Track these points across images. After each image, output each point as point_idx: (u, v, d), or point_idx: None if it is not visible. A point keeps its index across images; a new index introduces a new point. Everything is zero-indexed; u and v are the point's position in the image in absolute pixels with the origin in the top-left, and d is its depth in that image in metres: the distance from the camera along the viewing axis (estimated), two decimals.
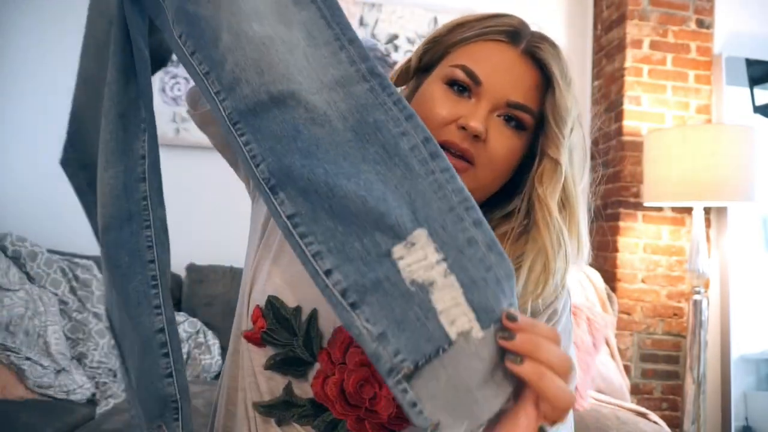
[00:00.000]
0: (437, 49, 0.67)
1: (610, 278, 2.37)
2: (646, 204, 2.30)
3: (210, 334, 2.12)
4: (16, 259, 1.97)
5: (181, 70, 2.40)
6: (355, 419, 0.61)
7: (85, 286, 2.04)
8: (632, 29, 2.43)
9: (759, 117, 2.53)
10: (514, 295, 0.43)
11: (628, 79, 2.42)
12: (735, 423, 2.34)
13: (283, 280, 0.63)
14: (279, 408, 0.62)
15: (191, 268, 2.27)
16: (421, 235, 0.42)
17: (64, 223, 2.27)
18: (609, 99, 2.55)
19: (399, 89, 0.73)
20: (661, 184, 2.14)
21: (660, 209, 2.39)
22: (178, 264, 2.26)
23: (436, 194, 0.44)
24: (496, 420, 0.42)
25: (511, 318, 0.41)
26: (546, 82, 0.63)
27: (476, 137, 0.60)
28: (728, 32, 2.53)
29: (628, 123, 2.41)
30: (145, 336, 0.57)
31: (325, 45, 0.48)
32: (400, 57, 2.54)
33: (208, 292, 2.22)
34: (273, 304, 0.62)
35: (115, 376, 1.94)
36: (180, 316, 2.10)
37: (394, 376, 0.40)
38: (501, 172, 0.63)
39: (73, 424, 1.65)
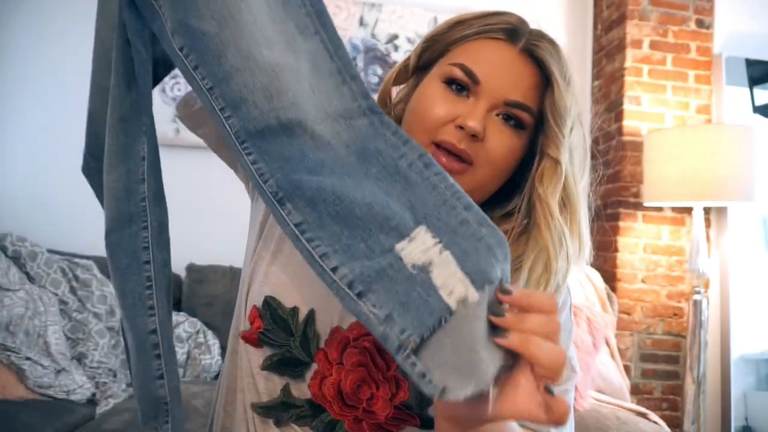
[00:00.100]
0: (436, 47, 0.67)
1: (610, 278, 2.37)
2: (646, 204, 2.30)
3: (210, 334, 2.12)
4: (16, 259, 1.97)
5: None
6: (352, 420, 0.60)
7: (85, 286, 2.04)
8: (632, 29, 2.43)
9: (759, 117, 2.53)
10: (507, 261, 0.45)
11: (628, 79, 2.42)
12: (735, 423, 2.34)
13: (280, 280, 0.63)
14: (277, 409, 0.62)
15: (191, 268, 2.27)
16: (420, 230, 0.46)
17: (64, 223, 2.28)
18: (609, 99, 2.55)
19: (398, 87, 0.73)
20: (661, 184, 2.14)
21: (660, 209, 2.39)
22: (178, 264, 2.26)
23: (431, 194, 0.48)
24: (498, 389, 0.44)
25: (505, 292, 0.43)
26: (545, 80, 0.63)
27: (474, 137, 0.60)
28: (728, 32, 2.53)
29: (628, 123, 2.41)
30: (139, 337, 0.57)
31: (329, 77, 0.51)
32: (400, 57, 2.54)
33: (208, 292, 2.22)
34: (270, 305, 0.62)
35: (115, 376, 1.94)
36: (180, 316, 2.10)
37: (403, 352, 0.42)
38: (500, 171, 0.62)
39: (73, 424, 1.65)
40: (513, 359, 0.43)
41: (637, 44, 2.43)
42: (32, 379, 1.73)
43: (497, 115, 0.62)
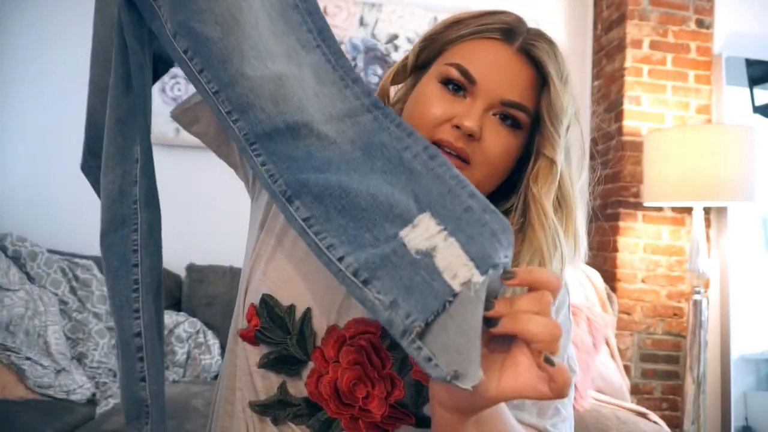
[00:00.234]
0: (434, 46, 0.67)
1: (610, 278, 2.37)
2: (646, 204, 2.30)
3: (210, 334, 2.12)
4: (16, 259, 1.97)
5: (181, 70, 2.39)
6: (349, 418, 0.60)
7: (85, 286, 2.04)
8: (632, 29, 2.43)
9: (759, 117, 2.53)
10: (511, 246, 0.45)
11: (628, 79, 2.42)
12: (735, 423, 2.34)
13: (277, 278, 0.63)
14: (274, 407, 0.62)
15: (191, 268, 2.27)
16: (424, 217, 0.47)
17: (64, 223, 2.28)
18: (609, 99, 2.55)
19: (396, 87, 0.73)
20: (660, 184, 2.14)
21: (660, 209, 2.39)
22: (178, 264, 2.27)
23: (435, 183, 0.48)
24: (498, 369, 0.44)
25: (508, 275, 0.44)
26: (542, 80, 0.63)
27: (471, 136, 0.60)
28: (728, 32, 2.53)
29: (628, 123, 2.41)
30: (125, 339, 0.58)
31: (332, 84, 0.53)
32: (400, 57, 2.54)
33: (208, 292, 2.23)
34: (267, 303, 0.62)
35: (115, 376, 1.94)
36: (180, 316, 2.10)
37: (408, 337, 0.43)
38: (497, 170, 0.62)
39: (73, 424, 1.66)
40: (510, 341, 0.44)
41: (637, 44, 2.43)
42: (32, 379, 1.74)
43: (494, 114, 0.62)
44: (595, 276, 2.24)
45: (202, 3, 0.50)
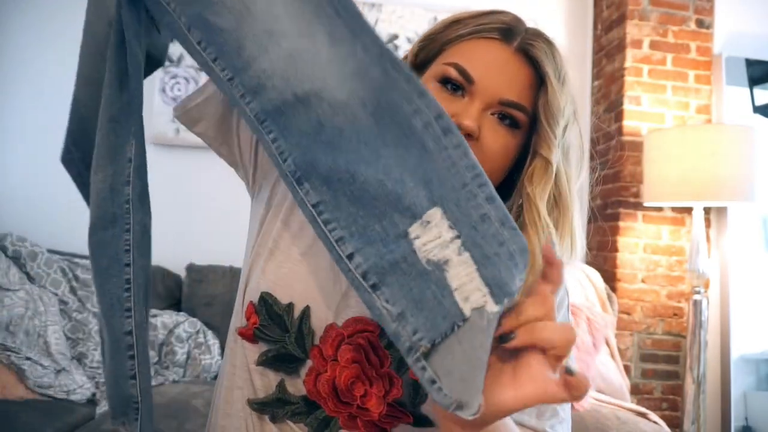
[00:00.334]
0: (432, 46, 0.67)
1: (610, 278, 2.37)
2: (646, 204, 2.30)
3: (210, 334, 2.12)
4: (16, 259, 1.98)
5: (181, 70, 2.40)
6: (347, 416, 0.61)
7: (85, 286, 2.04)
8: (632, 29, 2.43)
9: (759, 117, 2.53)
10: (525, 269, 0.44)
11: (628, 79, 2.42)
12: (735, 423, 2.33)
13: (276, 276, 0.63)
14: (272, 405, 0.62)
15: (191, 268, 2.27)
16: (435, 213, 0.44)
17: (64, 223, 2.28)
18: (609, 99, 2.55)
19: None
20: (660, 184, 2.14)
21: (660, 209, 2.39)
22: (178, 264, 2.26)
23: (449, 171, 0.45)
24: (511, 376, 0.43)
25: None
26: (540, 79, 0.63)
27: (469, 136, 0.60)
28: (728, 32, 2.53)
29: (628, 123, 2.41)
30: (115, 337, 0.58)
31: (343, 42, 0.50)
32: (400, 57, 2.54)
33: (208, 292, 2.22)
34: (266, 300, 0.62)
35: None
36: (180, 316, 2.10)
37: (413, 354, 0.42)
38: (495, 170, 0.62)
39: (73, 424, 1.66)
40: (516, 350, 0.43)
41: (637, 44, 2.43)
42: (32, 379, 1.74)
43: (492, 114, 0.62)
44: (595, 276, 2.24)
45: None
